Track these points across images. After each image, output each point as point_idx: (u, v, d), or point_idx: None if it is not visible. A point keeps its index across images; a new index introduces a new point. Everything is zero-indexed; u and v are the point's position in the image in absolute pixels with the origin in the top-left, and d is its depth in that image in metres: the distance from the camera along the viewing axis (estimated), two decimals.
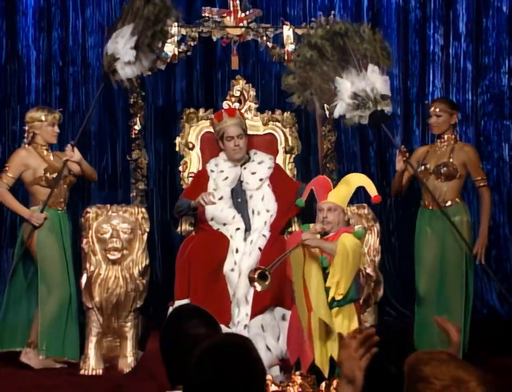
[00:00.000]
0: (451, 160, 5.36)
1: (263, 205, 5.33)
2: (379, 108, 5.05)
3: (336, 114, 5.16)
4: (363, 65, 5.10)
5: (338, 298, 4.42)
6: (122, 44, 5.26)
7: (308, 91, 5.23)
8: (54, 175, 5.28)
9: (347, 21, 5.48)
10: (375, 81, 5.07)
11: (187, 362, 2.09)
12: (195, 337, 2.34)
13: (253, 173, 5.42)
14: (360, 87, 5.04)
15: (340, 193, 4.67)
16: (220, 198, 5.35)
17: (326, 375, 4.41)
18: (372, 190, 4.64)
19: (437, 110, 5.40)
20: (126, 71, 5.30)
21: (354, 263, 4.43)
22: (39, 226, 5.25)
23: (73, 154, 5.31)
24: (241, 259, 5.08)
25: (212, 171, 5.48)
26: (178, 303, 5.04)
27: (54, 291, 5.25)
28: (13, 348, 5.37)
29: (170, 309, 5.07)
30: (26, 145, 5.37)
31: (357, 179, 4.77)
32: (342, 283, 4.40)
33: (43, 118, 5.34)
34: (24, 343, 5.32)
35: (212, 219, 5.33)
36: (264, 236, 5.17)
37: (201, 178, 5.51)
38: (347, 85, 5.06)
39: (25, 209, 5.34)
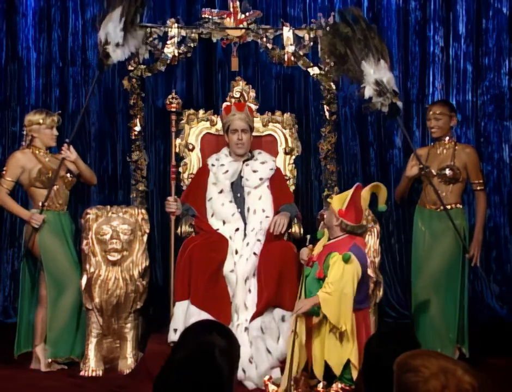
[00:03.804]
0: (453, 163, 5.34)
1: (260, 205, 5.33)
2: (394, 101, 5.15)
3: (366, 95, 5.25)
4: (378, 57, 5.20)
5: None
6: (112, 28, 5.32)
7: (345, 65, 5.35)
8: (49, 176, 5.28)
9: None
10: (388, 75, 5.16)
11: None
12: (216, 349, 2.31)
13: (254, 171, 5.42)
14: (380, 76, 5.14)
15: (339, 196, 4.66)
16: (220, 192, 5.36)
17: (321, 379, 4.42)
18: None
19: (437, 113, 5.38)
20: (117, 54, 5.35)
21: (348, 291, 4.37)
22: (39, 227, 5.26)
23: (69, 154, 5.31)
24: (238, 263, 5.08)
25: (212, 165, 5.49)
26: (178, 304, 5.04)
27: (65, 292, 5.26)
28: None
29: (176, 304, 5.05)
30: (25, 149, 5.37)
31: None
32: (342, 320, 4.39)
33: (41, 121, 5.33)
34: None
35: (212, 215, 5.34)
36: (259, 240, 5.16)
37: (201, 176, 5.52)
38: (371, 71, 5.17)
39: (26, 212, 5.34)
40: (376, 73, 5.19)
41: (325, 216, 4.74)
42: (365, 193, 4.57)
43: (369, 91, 5.22)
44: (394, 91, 5.22)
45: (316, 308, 4.39)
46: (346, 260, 4.35)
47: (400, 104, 5.27)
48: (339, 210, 4.51)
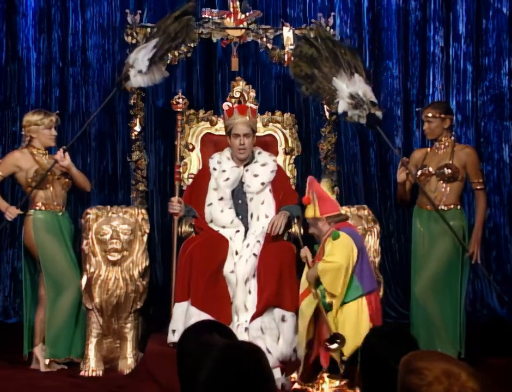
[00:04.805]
0: (451, 162, 5.34)
1: (263, 210, 5.30)
2: (372, 112, 5.14)
3: (340, 110, 5.26)
4: (350, 72, 5.20)
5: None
6: (142, 55, 5.32)
7: (314, 84, 5.34)
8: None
9: (332, 34, 5.61)
10: (363, 87, 5.16)
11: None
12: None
13: (255, 175, 5.39)
14: (354, 90, 5.13)
15: (310, 205, 4.70)
16: (221, 199, 5.35)
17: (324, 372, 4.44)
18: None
19: (428, 115, 5.38)
20: (137, 80, 5.35)
21: (343, 262, 4.43)
22: (11, 220, 5.30)
23: (63, 158, 5.30)
24: (238, 264, 5.07)
25: (214, 169, 5.46)
26: (178, 305, 5.04)
27: (63, 292, 5.26)
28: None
29: (176, 305, 5.04)
30: (24, 149, 5.37)
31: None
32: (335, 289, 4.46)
33: (39, 121, 5.33)
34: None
35: (211, 221, 5.33)
36: (258, 241, 5.15)
37: (202, 179, 5.50)
38: (343, 86, 5.16)
39: (4, 203, 5.36)
40: (350, 87, 5.20)
41: (310, 232, 4.75)
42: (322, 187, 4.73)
43: (342, 105, 5.22)
44: (372, 102, 5.21)
45: (327, 303, 4.44)
46: (335, 237, 4.49)
47: (379, 114, 5.25)
48: (321, 210, 4.60)
